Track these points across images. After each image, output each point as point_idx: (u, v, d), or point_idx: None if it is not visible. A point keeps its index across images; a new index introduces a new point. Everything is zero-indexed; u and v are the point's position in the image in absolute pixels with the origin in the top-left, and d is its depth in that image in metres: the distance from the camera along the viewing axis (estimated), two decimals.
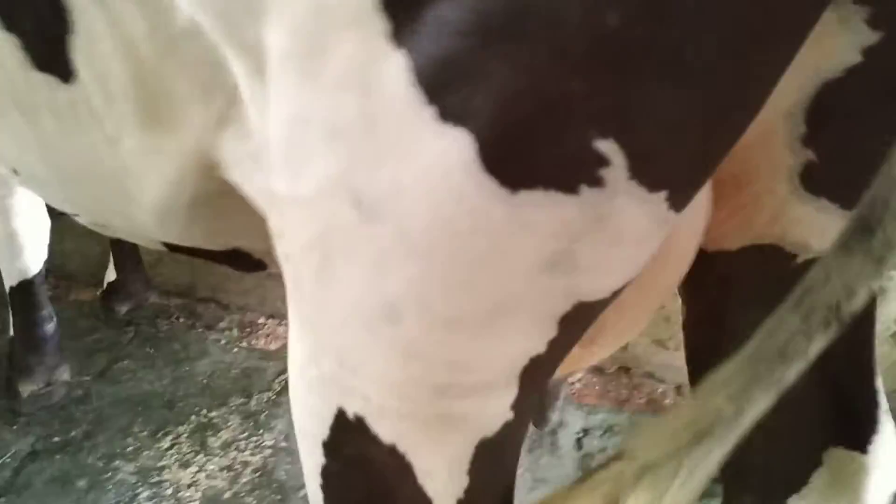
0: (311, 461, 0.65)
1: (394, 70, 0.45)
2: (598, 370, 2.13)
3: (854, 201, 0.62)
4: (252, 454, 1.90)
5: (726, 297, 0.81)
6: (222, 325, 2.36)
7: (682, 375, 2.14)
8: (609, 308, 0.57)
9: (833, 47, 0.57)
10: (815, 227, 0.72)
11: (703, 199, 0.70)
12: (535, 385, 0.57)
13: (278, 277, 1.06)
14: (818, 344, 0.49)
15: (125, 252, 2.28)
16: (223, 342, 2.28)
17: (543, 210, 0.47)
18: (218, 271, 2.39)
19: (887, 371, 1.96)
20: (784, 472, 0.95)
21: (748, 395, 0.50)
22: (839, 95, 0.60)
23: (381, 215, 0.48)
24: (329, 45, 0.46)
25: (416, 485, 0.59)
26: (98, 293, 2.40)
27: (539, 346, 0.54)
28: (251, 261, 0.97)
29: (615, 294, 0.55)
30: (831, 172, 0.67)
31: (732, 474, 1.08)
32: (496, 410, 0.57)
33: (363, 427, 0.58)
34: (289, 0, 0.48)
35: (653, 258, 0.55)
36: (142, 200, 0.83)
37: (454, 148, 0.45)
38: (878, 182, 0.47)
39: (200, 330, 2.34)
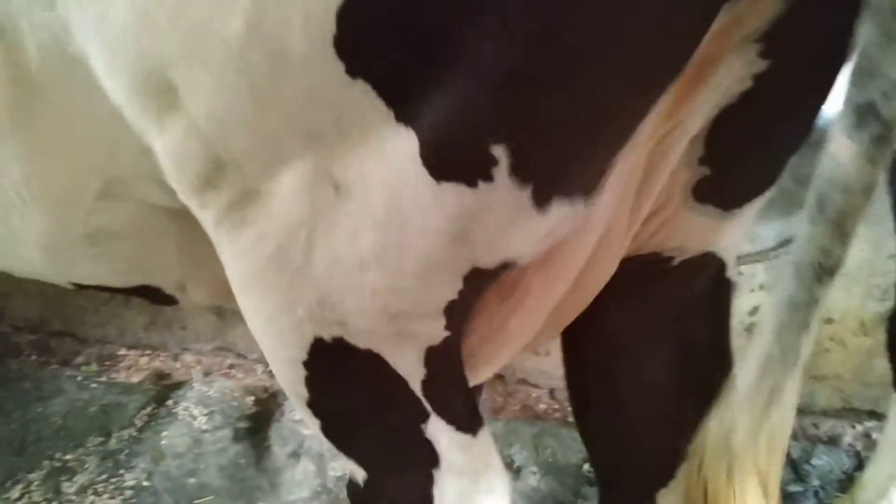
0: (293, 376, 0.85)
1: (359, 89, 0.61)
2: None
3: (734, 203, 0.85)
4: (111, 497, 1.79)
5: (605, 299, 0.93)
6: (79, 359, 2.22)
7: (555, 380, 2.19)
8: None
9: (733, 79, 0.72)
10: (697, 231, 0.88)
11: (617, 213, 0.81)
12: (455, 317, 0.79)
13: (138, 306, 1.03)
14: (819, 293, 0.70)
15: None
16: (80, 378, 2.15)
17: (454, 197, 0.65)
18: (73, 302, 2.26)
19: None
20: (652, 467, 1.06)
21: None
22: (734, 117, 0.75)
23: (353, 195, 0.67)
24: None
25: (391, 368, 0.82)
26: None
27: (452, 294, 0.75)
28: (163, 295, 1.06)
29: (503, 266, 0.73)
30: (721, 183, 0.82)
31: (604, 474, 1.20)
32: (434, 330, 0.80)
33: (342, 343, 0.79)
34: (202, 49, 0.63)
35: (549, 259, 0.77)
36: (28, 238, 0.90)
37: (407, 145, 0.63)
38: (823, 168, 0.64)
39: (55, 366, 2.19)
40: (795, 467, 1.93)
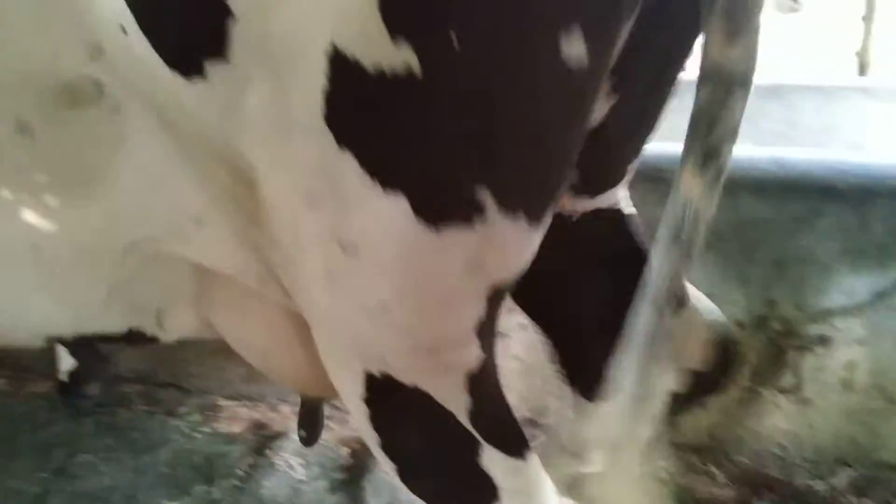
0: (360, 414, 0.92)
1: (347, 164, 0.71)
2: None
3: (600, 191, 1.10)
4: None
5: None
6: (183, 409, 2.34)
7: None
8: None
9: (601, 109, 0.91)
10: (581, 206, 1.09)
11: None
12: (486, 334, 0.87)
13: (238, 358, 1.10)
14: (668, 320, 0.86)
15: None
16: (184, 428, 2.26)
17: (456, 237, 0.75)
18: (177, 356, 2.38)
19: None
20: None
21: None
22: (598, 133, 0.92)
23: (360, 252, 0.76)
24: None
25: (438, 404, 0.89)
26: (55, 384, 2.36)
27: (480, 313, 0.83)
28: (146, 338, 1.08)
29: (518, 275, 0.84)
30: (589, 181, 1.05)
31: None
32: (471, 355, 0.87)
33: (390, 378, 0.86)
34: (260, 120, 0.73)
35: None
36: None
37: (398, 205, 0.72)
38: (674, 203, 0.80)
39: (161, 416, 2.31)
40: None
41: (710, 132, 0.76)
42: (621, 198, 1.14)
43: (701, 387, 1.13)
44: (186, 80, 0.74)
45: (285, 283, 0.90)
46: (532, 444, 0.96)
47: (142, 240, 0.93)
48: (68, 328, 1.05)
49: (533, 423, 2.18)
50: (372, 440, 0.95)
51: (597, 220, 1.10)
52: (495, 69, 0.67)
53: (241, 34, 0.69)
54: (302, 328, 0.95)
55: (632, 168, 1.09)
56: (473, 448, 0.92)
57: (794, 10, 4.27)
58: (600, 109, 0.90)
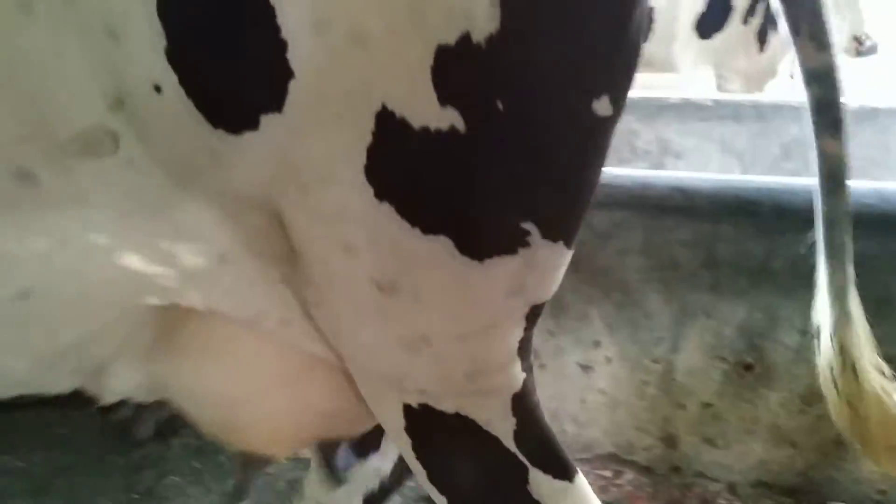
0: (403, 445, 0.94)
1: (386, 216, 0.74)
2: (647, 470, 2.10)
3: None
4: None
5: None
6: None
7: (735, 473, 2.11)
8: None
9: None
10: None
11: None
12: (525, 353, 0.90)
13: None
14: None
15: None
16: None
17: (500, 267, 0.78)
18: None
19: None
20: None
21: None
22: None
23: (399, 291, 0.78)
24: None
25: (483, 430, 0.90)
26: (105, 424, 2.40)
27: (521, 332, 0.86)
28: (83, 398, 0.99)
29: (553, 293, 0.87)
30: None
31: None
32: (514, 375, 0.89)
33: (429, 409, 0.88)
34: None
35: None
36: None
37: (442, 247, 0.75)
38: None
39: None
40: None
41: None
42: None
43: None
44: (234, 135, 0.73)
45: (318, 319, 0.89)
46: (617, 480, 0.96)
47: (159, 290, 0.88)
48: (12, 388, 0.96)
49: (617, 458, 2.13)
50: (421, 474, 0.96)
51: None
52: (538, 127, 0.72)
53: (297, 90, 0.70)
54: (300, 371, 0.97)
55: None
56: (522, 473, 0.93)
57: (870, 53, 4.13)
58: None
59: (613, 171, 1.96)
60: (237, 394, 1.01)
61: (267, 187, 0.76)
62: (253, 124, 0.72)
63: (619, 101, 0.76)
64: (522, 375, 0.90)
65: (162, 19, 0.68)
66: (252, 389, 1.01)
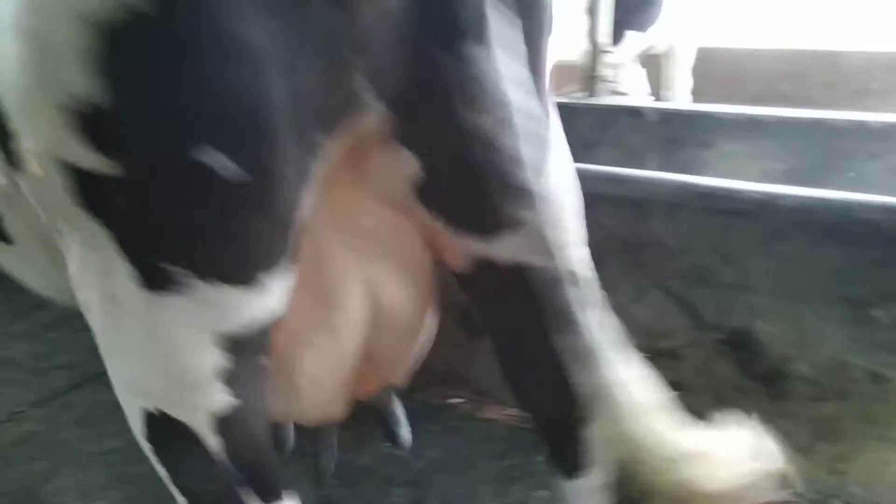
0: (148, 452, 1.06)
1: (126, 276, 0.90)
2: None
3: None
4: None
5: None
6: None
7: None
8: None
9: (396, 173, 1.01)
10: None
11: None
12: (240, 383, 0.99)
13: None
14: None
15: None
16: None
17: (171, 300, 0.89)
18: None
19: None
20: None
21: None
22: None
23: (120, 303, 0.92)
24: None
25: (201, 438, 1.00)
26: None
27: (218, 361, 0.95)
28: None
29: (253, 327, 0.95)
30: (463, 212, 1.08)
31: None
32: (212, 398, 0.98)
33: (164, 414, 0.99)
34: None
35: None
36: None
37: (129, 273, 0.90)
38: None
39: None
40: None
41: None
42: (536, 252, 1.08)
43: None
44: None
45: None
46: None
47: None
48: None
49: None
50: (164, 476, 1.06)
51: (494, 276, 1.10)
52: (157, 183, 0.83)
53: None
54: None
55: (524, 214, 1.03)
56: (243, 486, 1.04)
57: None
58: (394, 173, 0.99)
59: None
60: None
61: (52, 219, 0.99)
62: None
63: (243, 156, 0.82)
64: (230, 402, 0.98)
65: None
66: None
